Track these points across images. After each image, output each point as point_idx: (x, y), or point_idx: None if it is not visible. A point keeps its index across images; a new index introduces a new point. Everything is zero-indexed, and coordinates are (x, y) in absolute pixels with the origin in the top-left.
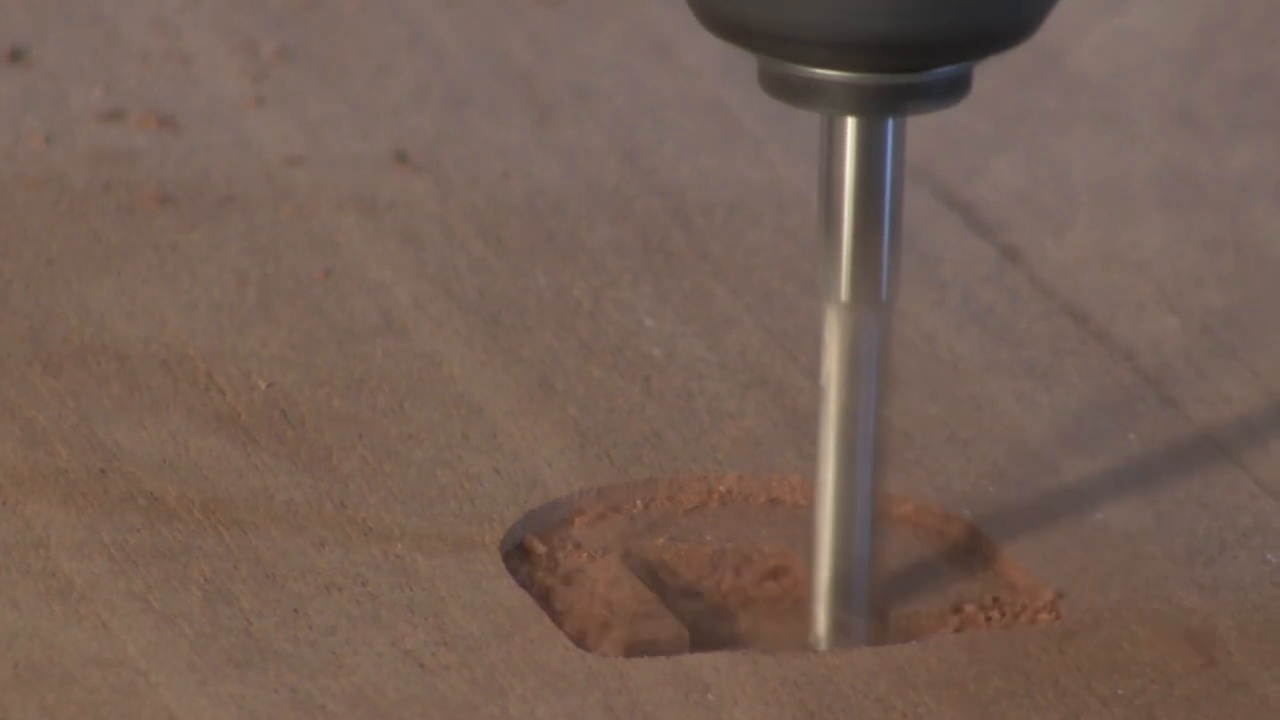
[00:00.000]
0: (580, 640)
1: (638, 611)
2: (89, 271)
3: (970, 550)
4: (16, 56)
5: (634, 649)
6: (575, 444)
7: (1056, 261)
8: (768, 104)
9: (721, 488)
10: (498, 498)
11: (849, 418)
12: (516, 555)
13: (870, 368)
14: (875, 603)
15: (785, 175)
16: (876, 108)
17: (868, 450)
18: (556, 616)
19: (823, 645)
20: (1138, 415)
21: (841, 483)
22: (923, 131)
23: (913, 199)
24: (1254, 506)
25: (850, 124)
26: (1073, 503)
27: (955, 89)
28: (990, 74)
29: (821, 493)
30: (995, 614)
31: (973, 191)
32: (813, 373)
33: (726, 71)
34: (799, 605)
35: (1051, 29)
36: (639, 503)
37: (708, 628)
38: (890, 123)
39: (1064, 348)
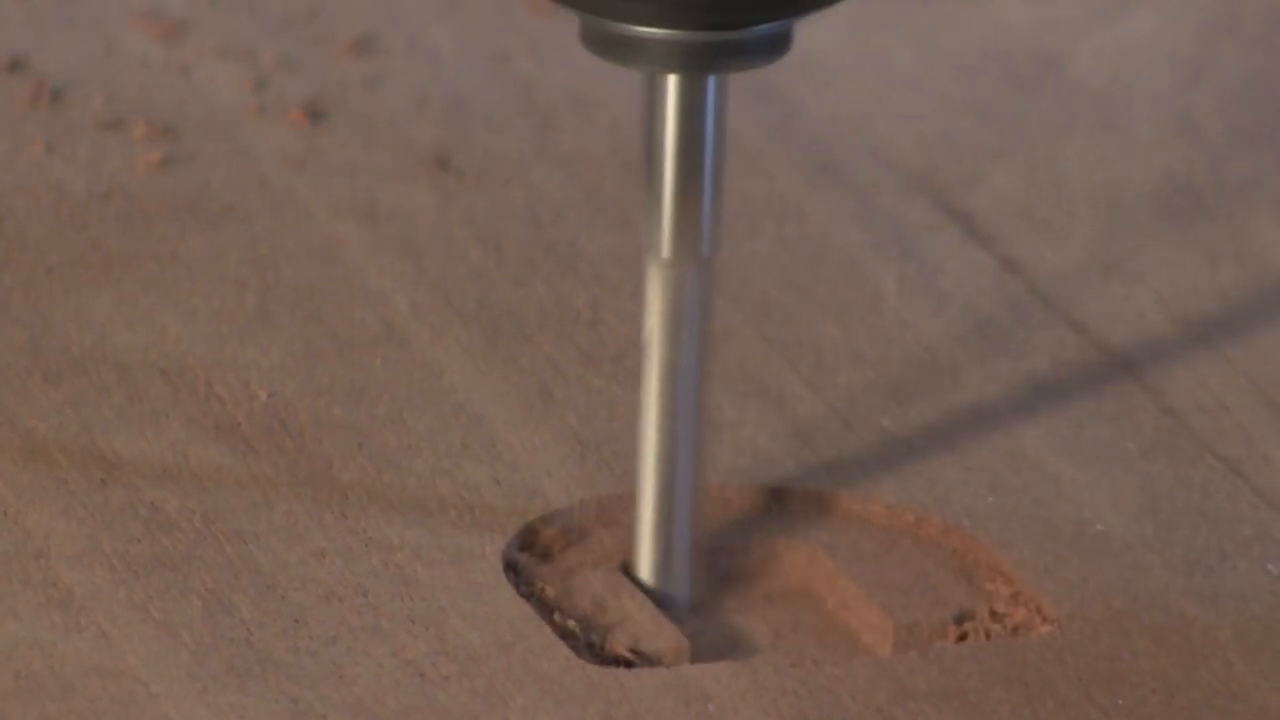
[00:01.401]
0: (580, 651)
1: (638, 622)
2: (89, 280)
3: (970, 560)
4: (16, 66)
5: (634, 659)
6: (575, 453)
7: (1056, 271)
8: (766, 115)
9: (721, 497)
10: (498, 508)
11: (671, 375)
12: (517, 565)
13: (693, 324)
14: (695, 570)
15: (782, 187)
16: (697, 65)
17: (691, 408)
18: (557, 627)
19: (640, 605)
20: (1137, 425)
21: (664, 443)
22: (921, 141)
23: (912, 208)
24: (1254, 516)
25: (671, 82)
26: (1072, 512)
27: (775, 46)
28: (989, 83)
29: (644, 453)
30: (995, 625)
31: (972, 201)
32: (812, 382)
33: None
34: (803, 611)
35: (1050, 38)
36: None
37: (708, 638)
38: (711, 80)
39: (1063, 357)
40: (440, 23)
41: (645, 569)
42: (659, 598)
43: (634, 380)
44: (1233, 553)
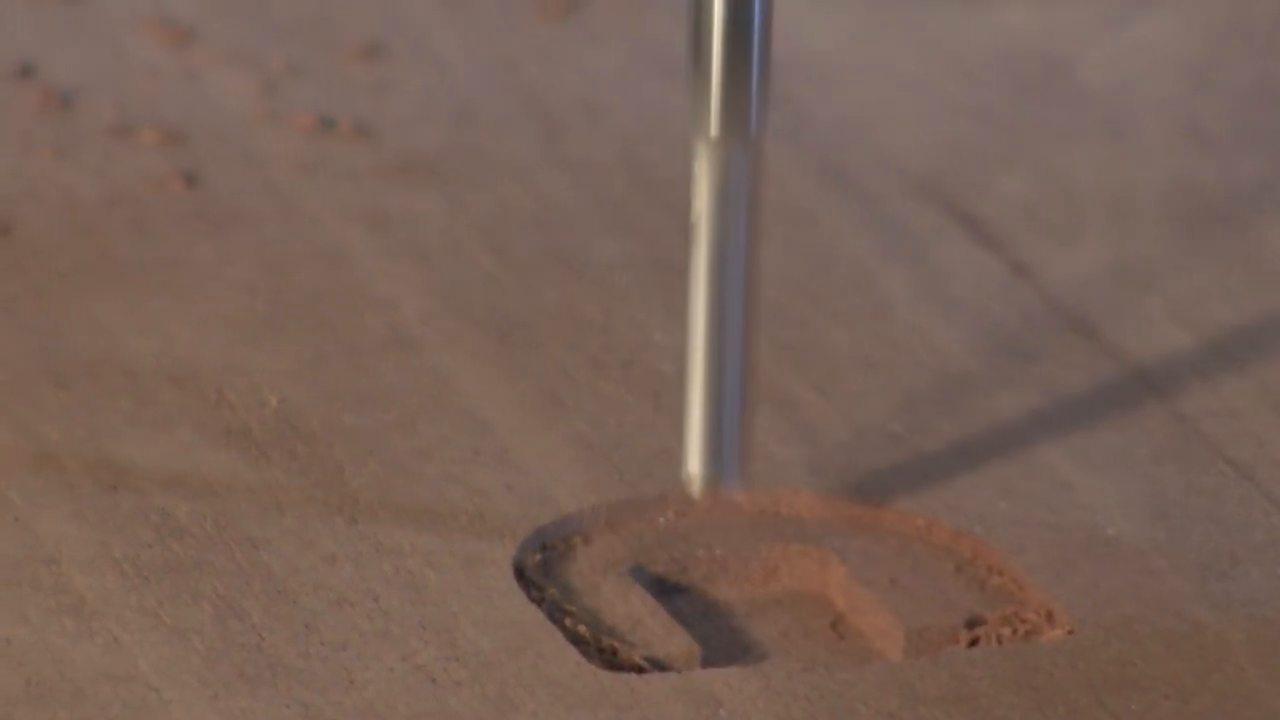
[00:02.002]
0: (591, 656)
1: (649, 627)
2: (99, 287)
3: (981, 566)
4: (25, 72)
5: (646, 665)
6: (585, 459)
7: (1065, 276)
8: (775, 120)
9: (732, 502)
10: (508, 513)
11: (720, 254)
12: (527, 570)
13: (740, 203)
14: (746, 445)
15: (793, 192)
16: None
17: (739, 287)
18: (567, 632)
19: (694, 488)
20: (1148, 430)
21: (714, 322)
22: (930, 147)
23: (922, 214)
24: (1266, 522)
25: None
26: (1083, 518)
27: None
28: (997, 89)
29: (693, 332)
30: (1007, 630)
31: (981, 206)
32: (822, 388)
33: None
34: (814, 616)
35: (1058, 43)
36: (649, 518)
37: (719, 643)
38: None
39: (1073, 363)
40: (448, 29)
41: (695, 455)
42: (711, 482)
43: (642, 384)
44: (1244, 558)
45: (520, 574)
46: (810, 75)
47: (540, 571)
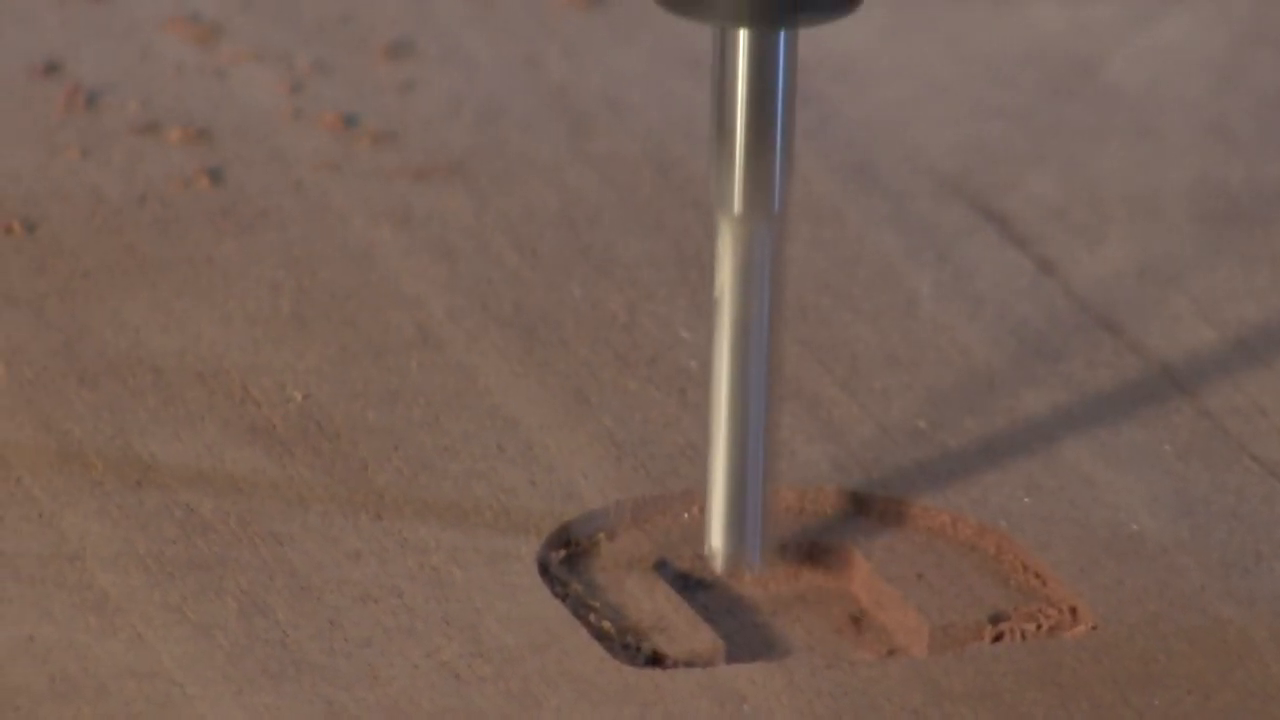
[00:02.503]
0: (615, 652)
1: (673, 623)
2: (124, 285)
3: (1006, 562)
4: (51, 70)
5: (670, 661)
6: (611, 456)
7: (1091, 274)
8: (802, 118)
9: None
10: (533, 510)
11: (743, 330)
12: (552, 567)
13: (764, 280)
14: (768, 522)
15: (819, 190)
16: (768, 19)
17: (763, 363)
18: (592, 628)
19: (717, 565)
20: (1173, 427)
21: (736, 397)
22: (957, 146)
23: (948, 212)
24: None
25: (742, 35)
26: (1108, 515)
27: (845, 1)
28: (1024, 88)
29: (715, 407)
30: (1030, 626)
31: (1008, 205)
32: (848, 385)
33: None
34: (838, 612)
35: (1086, 42)
36: (675, 514)
37: (743, 639)
38: (782, 34)
39: (1099, 360)
40: (474, 27)
41: (717, 531)
42: (731, 558)
43: (668, 382)
44: (1269, 555)
45: (545, 570)
46: (837, 74)
47: (565, 568)
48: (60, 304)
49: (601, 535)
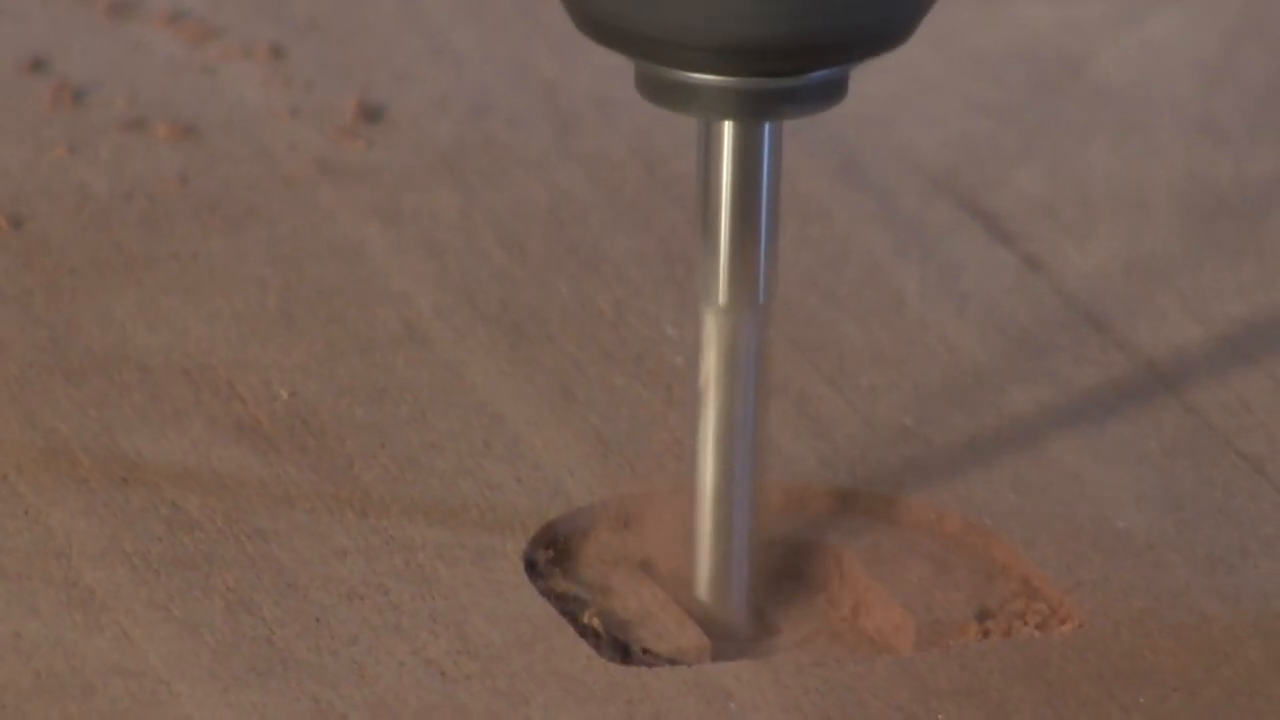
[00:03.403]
0: (602, 649)
1: (660, 620)
2: (111, 281)
3: (992, 559)
4: (38, 66)
5: (656, 658)
6: (597, 453)
7: (1079, 271)
8: None
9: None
10: (520, 507)
11: (727, 421)
12: (538, 564)
13: (748, 370)
14: (754, 605)
15: (804, 188)
16: (752, 112)
17: (747, 453)
18: (578, 625)
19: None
20: (1160, 424)
21: (720, 486)
22: (944, 143)
23: (935, 209)
24: (1276, 515)
25: (726, 128)
26: (1094, 511)
27: (831, 92)
28: (1012, 85)
29: (700, 496)
30: (1017, 623)
31: (995, 201)
32: (835, 382)
33: None
34: (825, 609)
35: (1074, 40)
36: (660, 511)
37: (729, 636)
38: (767, 127)
39: (1086, 357)
40: (463, 25)
41: (703, 607)
42: (717, 633)
43: (655, 379)
44: (1255, 551)
45: (531, 567)
46: None
47: (551, 565)
48: (47, 300)
49: (588, 532)
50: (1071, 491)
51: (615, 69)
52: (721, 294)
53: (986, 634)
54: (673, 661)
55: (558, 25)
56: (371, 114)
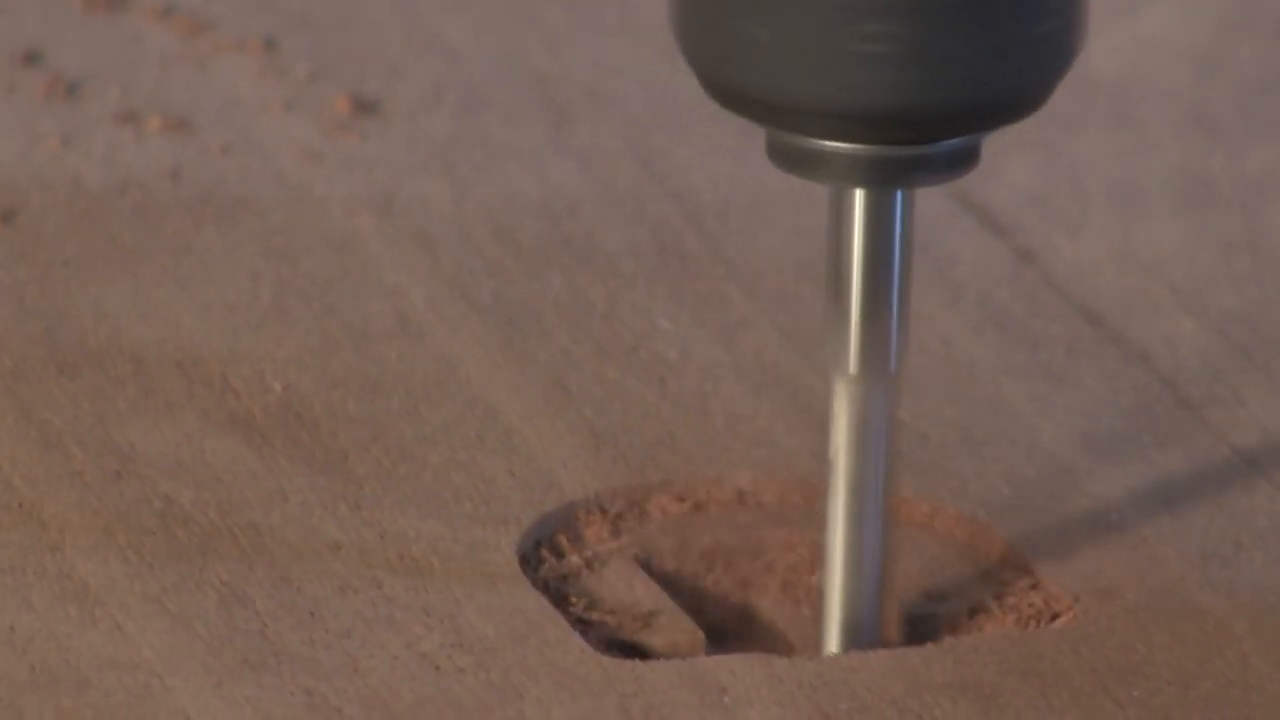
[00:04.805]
0: (596, 643)
1: (653, 613)
2: (104, 274)
3: (985, 552)
4: (32, 59)
5: (650, 651)
6: (590, 446)
7: (1072, 263)
8: None
9: (737, 489)
10: (513, 500)
11: (858, 491)
12: (532, 557)
13: (879, 440)
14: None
15: (797, 181)
16: (884, 179)
17: (877, 522)
18: (572, 618)
19: None
20: (1153, 417)
21: (850, 555)
22: None
23: (928, 201)
24: (1270, 508)
25: (858, 196)
26: (1088, 505)
27: (964, 160)
28: None
29: (831, 563)
30: (1010, 617)
31: (988, 193)
32: (824, 375)
33: None
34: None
35: None
36: (654, 505)
37: (723, 629)
38: (899, 194)
39: (1079, 349)
40: (456, 16)
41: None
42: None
43: (648, 371)
44: (1248, 544)
45: (525, 560)
46: None
47: (545, 558)
48: (40, 292)
49: (581, 525)
50: (1065, 485)
51: (609, 61)
52: (853, 363)
53: (980, 627)
54: (667, 655)
55: (551, 18)
56: (364, 107)
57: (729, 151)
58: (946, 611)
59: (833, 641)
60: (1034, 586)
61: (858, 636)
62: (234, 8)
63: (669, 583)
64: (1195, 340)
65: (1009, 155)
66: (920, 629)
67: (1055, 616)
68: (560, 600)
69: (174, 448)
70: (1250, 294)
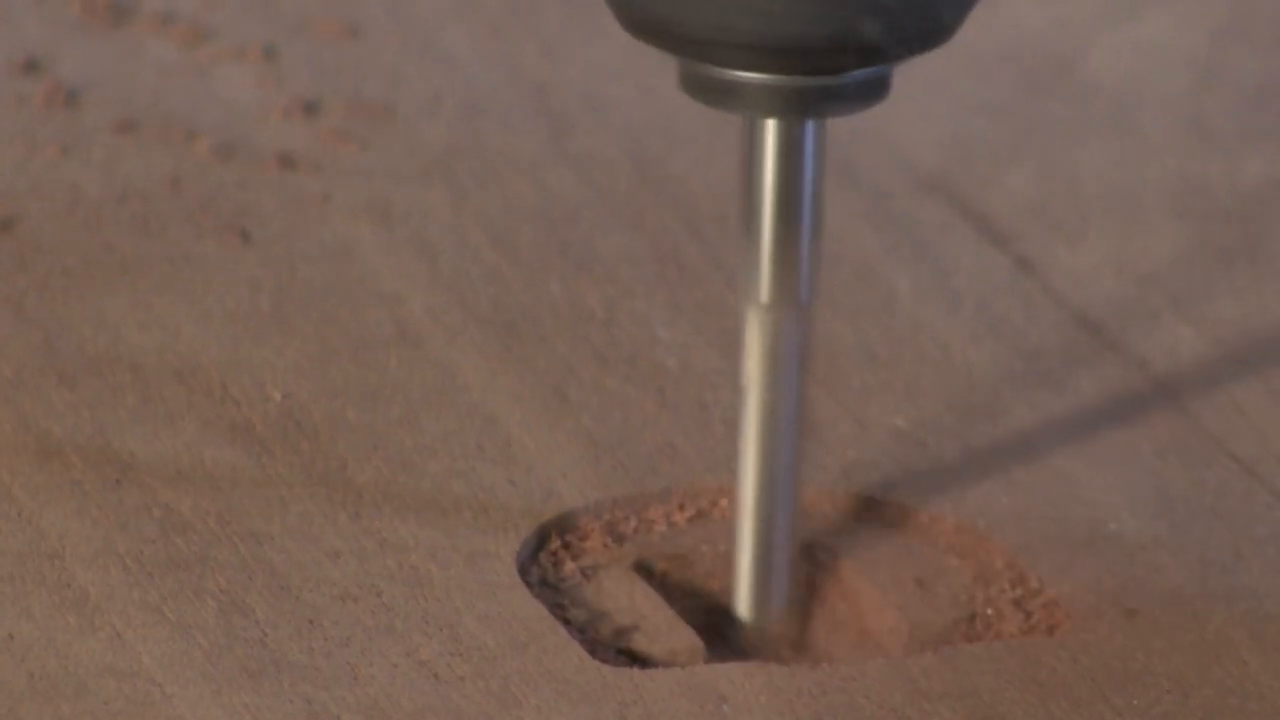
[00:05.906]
0: (595, 651)
1: (652, 622)
2: (104, 282)
3: (984, 561)
4: (31, 68)
5: (649, 660)
6: (590, 455)
7: (1070, 271)
8: None
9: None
10: (512, 508)
11: (770, 419)
12: (531, 566)
13: (791, 369)
14: (793, 604)
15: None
16: (796, 110)
17: (789, 451)
18: (571, 627)
19: (746, 630)
20: (1151, 425)
21: (762, 484)
22: (936, 143)
23: (927, 210)
24: (1268, 516)
25: (770, 126)
26: (1087, 513)
27: (874, 90)
28: (1003, 85)
29: (742, 495)
30: (1009, 625)
31: (986, 202)
32: (826, 383)
33: None
34: (818, 611)
35: (1064, 39)
36: (653, 513)
37: (722, 638)
38: (810, 125)
39: (1077, 357)
40: (454, 24)
41: (744, 603)
42: (757, 635)
43: (647, 380)
44: (1247, 552)
45: (524, 569)
46: None
47: (544, 567)
48: (39, 301)
49: (581, 534)
50: (1063, 493)
51: (607, 69)
52: (764, 292)
53: (979, 636)
54: (666, 663)
55: (549, 26)
56: (363, 115)
57: (726, 158)
58: (945, 620)
59: (743, 570)
60: (1032, 594)
61: (768, 565)
62: (233, 17)
63: (668, 591)
64: (1194, 348)
65: (1008, 164)
66: (919, 637)
67: (1054, 625)
68: (559, 609)
69: (174, 456)
70: (1249, 302)
